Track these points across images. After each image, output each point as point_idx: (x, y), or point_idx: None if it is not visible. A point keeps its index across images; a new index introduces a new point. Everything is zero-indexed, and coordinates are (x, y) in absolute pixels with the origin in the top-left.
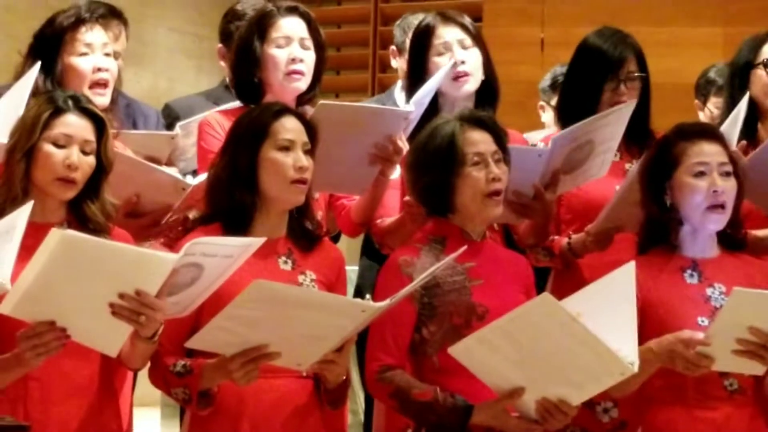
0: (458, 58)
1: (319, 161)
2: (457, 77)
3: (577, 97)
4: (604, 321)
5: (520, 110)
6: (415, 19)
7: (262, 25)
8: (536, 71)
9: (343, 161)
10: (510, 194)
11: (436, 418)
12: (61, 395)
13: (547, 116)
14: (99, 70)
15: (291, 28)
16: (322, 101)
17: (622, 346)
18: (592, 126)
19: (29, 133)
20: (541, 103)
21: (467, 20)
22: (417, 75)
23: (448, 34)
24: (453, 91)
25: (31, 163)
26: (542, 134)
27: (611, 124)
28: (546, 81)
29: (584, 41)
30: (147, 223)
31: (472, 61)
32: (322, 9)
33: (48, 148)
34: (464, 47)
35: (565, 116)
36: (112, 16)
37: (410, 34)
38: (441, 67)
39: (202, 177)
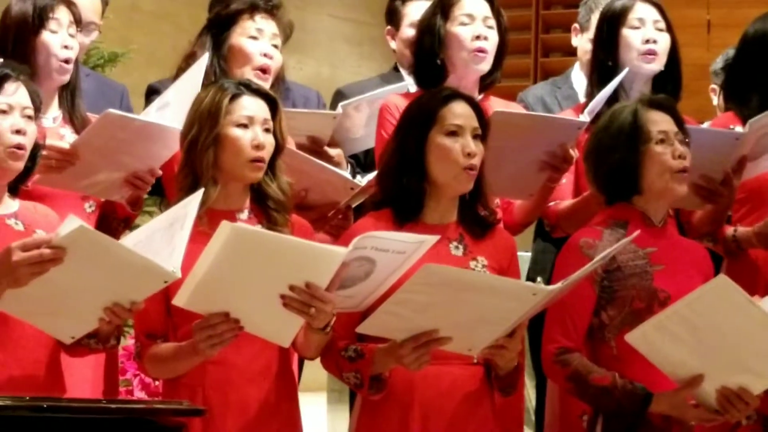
0: (651, 36)
1: (490, 165)
2: (648, 53)
3: (750, 82)
4: None
5: (687, 93)
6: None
7: (445, 3)
8: (703, 53)
9: (514, 166)
10: (698, 178)
11: (614, 403)
12: (240, 380)
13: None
14: (265, 55)
15: (474, 6)
16: (498, 109)
17: None
18: None
19: (212, 120)
20: (713, 86)
21: (662, 6)
22: (605, 47)
23: (645, 11)
24: (639, 67)
25: (218, 151)
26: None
27: None
28: (718, 63)
29: (746, 33)
30: (313, 218)
31: (663, 43)
32: None
33: (234, 131)
34: (658, 29)
35: (737, 100)
36: (280, 11)
37: (596, 13)
38: (631, 40)
39: (370, 176)
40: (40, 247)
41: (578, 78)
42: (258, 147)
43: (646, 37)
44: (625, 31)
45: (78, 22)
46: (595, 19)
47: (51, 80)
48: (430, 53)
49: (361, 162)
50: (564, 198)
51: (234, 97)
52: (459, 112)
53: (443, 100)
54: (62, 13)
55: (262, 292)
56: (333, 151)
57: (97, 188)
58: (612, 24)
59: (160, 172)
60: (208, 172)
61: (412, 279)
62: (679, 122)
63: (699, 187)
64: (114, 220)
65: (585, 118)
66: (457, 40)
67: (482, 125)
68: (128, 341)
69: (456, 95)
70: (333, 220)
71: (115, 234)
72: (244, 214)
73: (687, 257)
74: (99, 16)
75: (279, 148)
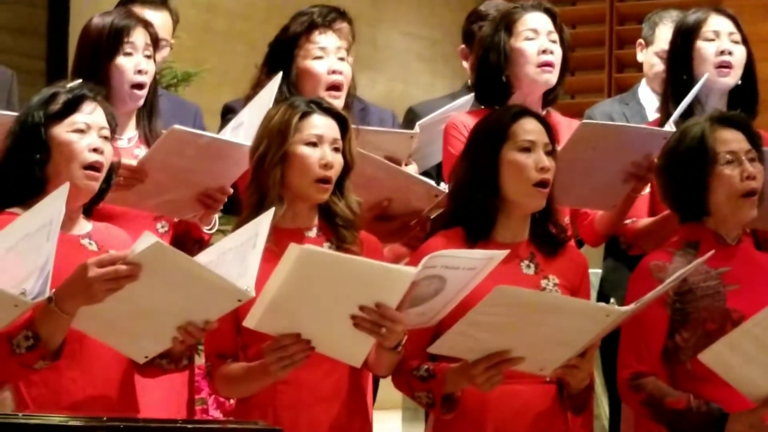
0: (726, 48)
1: (573, 177)
2: (721, 66)
3: None
4: None
5: (763, 108)
6: (666, 14)
7: (508, 20)
8: None
9: (597, 177)
10: None
11: (690, 426)
12: (311, 400)
13: None
14: (334, 72)
15: (538, 21)
16: (584, 121)
17: None
18: None
19: (281, 138)
20: None
21: (738, 20)
22: (680, 61)
23: (720, 24)
24: (714, 81)
25: (285, 168)
26: None
27: None
28: None
29: None
30: (396, 227)
31: (738, 55)
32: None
33: (302, 149)
34: (733, 41)
35: None
36: (343, 20)
37: (659, 27)
38: (705, 52)
39: None
40: (115, 264)
41: (645, 93)
42: (326, 166)
43: (720, 49)
44: (700, 44)
45: (155, 43)
46: (659, 33)
47: (125, 104)
48: (495, 70)
49: (433, 177)
50: (640, 215)
51: (304, 115)
52: (530, 128)
53: (513, 116)
54: (138, 36)
55: (333, 313)
56: (411, 169)
57: (168, 207)
58: (686, 37)
59: (231, 191)
60: (274, 189)
61: (485, 300)
62: (753, 139)
63: None
64: (189, 241)
65: (670, 127)
66: (523, 55)
67: (552, 141)
68: (203, 360)
69: (525, 112)
70: (414, 230)
71: (190, 255)
72: (313, 233)
73: (764, 275)
74: (170, 34)
75: (348, 167)
